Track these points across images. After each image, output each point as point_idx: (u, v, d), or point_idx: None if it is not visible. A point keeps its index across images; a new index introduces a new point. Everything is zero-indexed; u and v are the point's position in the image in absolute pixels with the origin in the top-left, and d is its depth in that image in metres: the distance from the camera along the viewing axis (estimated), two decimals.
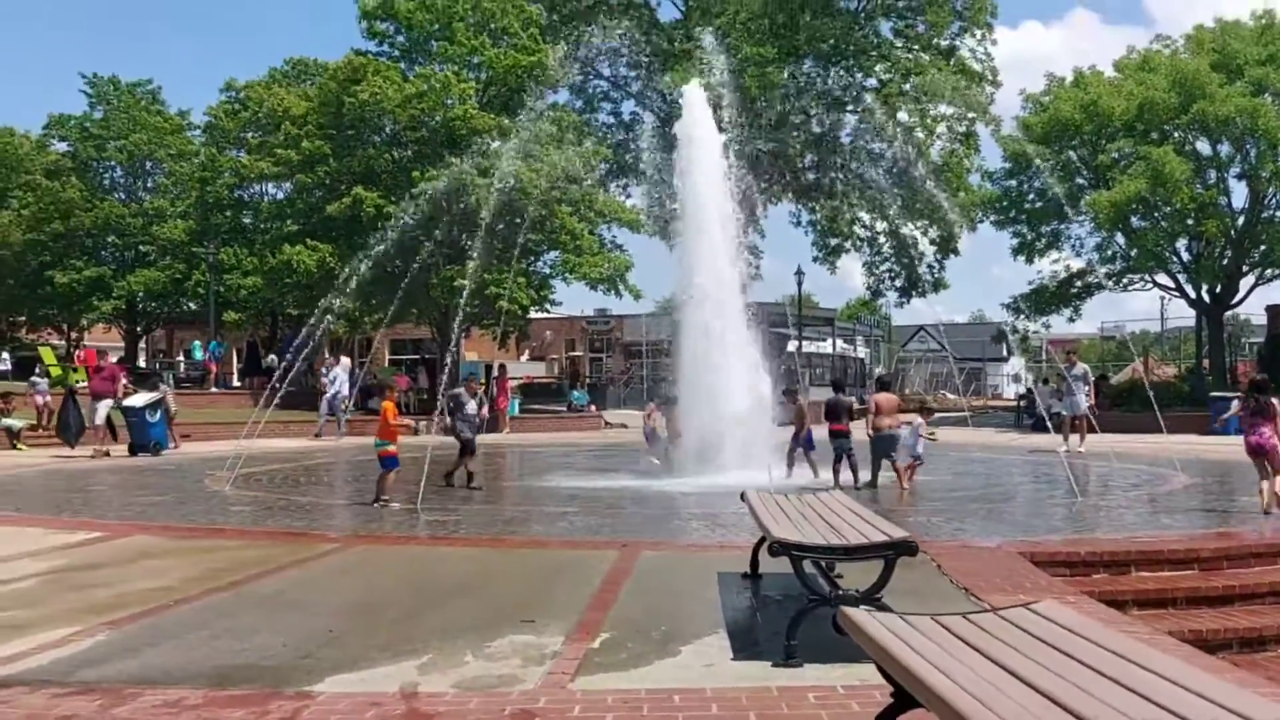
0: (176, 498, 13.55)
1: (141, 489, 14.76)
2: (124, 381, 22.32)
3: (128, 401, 20.77)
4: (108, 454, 19.83)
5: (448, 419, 14.75)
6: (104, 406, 20.72)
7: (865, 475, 14.49)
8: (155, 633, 5.88)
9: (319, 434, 26.07)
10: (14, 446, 21.30)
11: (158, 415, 20.81)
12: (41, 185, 40.87)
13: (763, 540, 6.34)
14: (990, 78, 39.81)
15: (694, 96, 18.53)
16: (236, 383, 42.24)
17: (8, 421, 21.80)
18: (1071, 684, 2.60)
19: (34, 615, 6.32)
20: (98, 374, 21.04)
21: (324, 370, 29.13)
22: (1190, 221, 31.96)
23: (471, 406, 14.66)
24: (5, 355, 42.17)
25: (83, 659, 5.31)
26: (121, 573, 7.80)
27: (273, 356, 38.38)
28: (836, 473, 14.37)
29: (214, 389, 36.43)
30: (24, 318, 46.41)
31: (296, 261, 30.50)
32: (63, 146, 44.53)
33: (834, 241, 43.57)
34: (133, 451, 20.14)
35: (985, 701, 2.48)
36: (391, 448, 12.29)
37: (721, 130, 18.25)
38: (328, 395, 26.66)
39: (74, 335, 47.65)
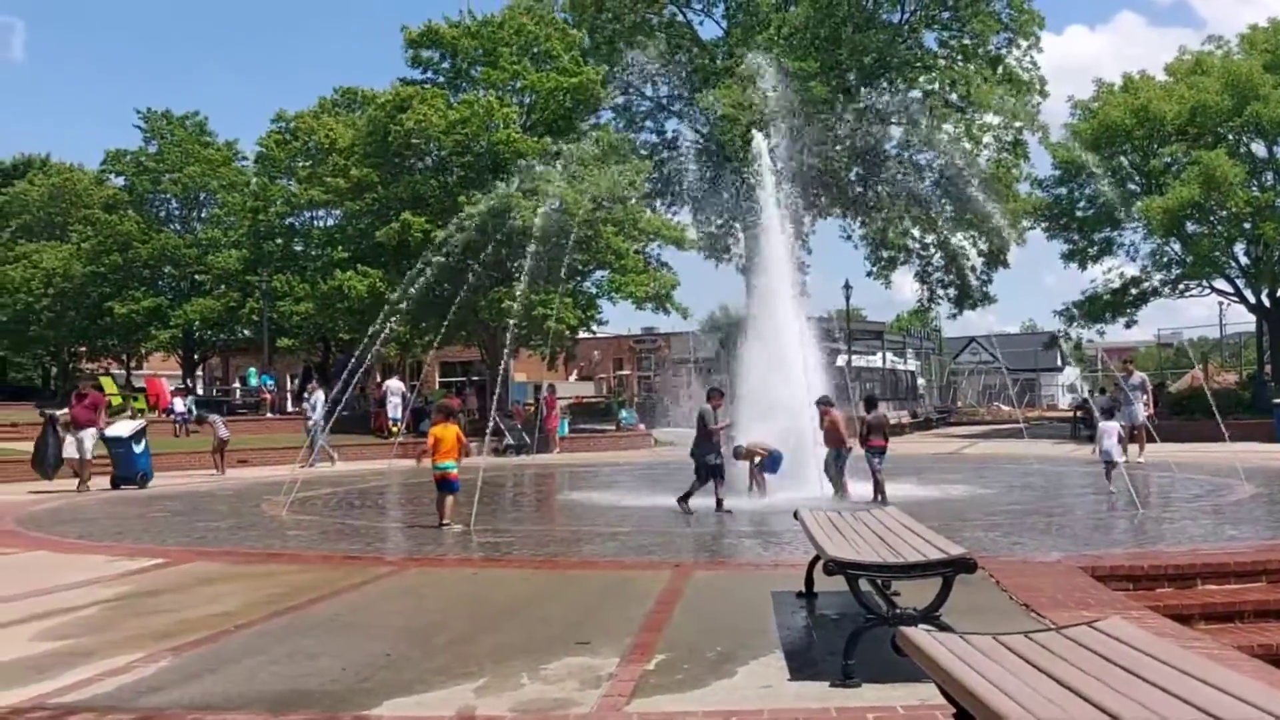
0: (234, 523, 13.74)
1: (201, 515, 14.99)
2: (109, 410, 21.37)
3: (111, 431, 19.59)
4: (88, 488, 18.72)
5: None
6: (89, 437, 19.07)
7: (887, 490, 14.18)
8: (216, 658, 5.95)
9: (311, 463, 23.62)
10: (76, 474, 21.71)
11: (142, 445, 19.78)
12: (100, 219, 41.93)
13: (817, 558, 6.29)
14: (1038, 87, 39.36)
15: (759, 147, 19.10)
16: (291, 408, 42.86)
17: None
18: (1139, 704, 2.54)
19: (99, 641, 6.43)
20: (80, 401, 19.32)
21: (306, 395, 28.12)
22: (1247, 225, 31.33)
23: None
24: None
25: (146, 685, 5.39)
26: (182, 599, 7.93)
27: (314, 387, 38.99)
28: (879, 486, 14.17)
29: (269, 414, 36.97)
30: (84, 348, 47.49)
31: (348, 287, 30.96)
32: (119, 181, 45.67)
33: (887, 254, 43.30)
34: (115, 484, 19.17)
35: None
36: (453, 470, 12.33)
37: (771, 151, 18.64)
38: (310, 422, 25.14)
39: (133, 364, 48.65)
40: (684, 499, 13.55)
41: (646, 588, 7.75)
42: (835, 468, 14.69)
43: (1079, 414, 35.10)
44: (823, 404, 15.06)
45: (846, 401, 19.01)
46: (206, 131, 46.35)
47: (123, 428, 19.96)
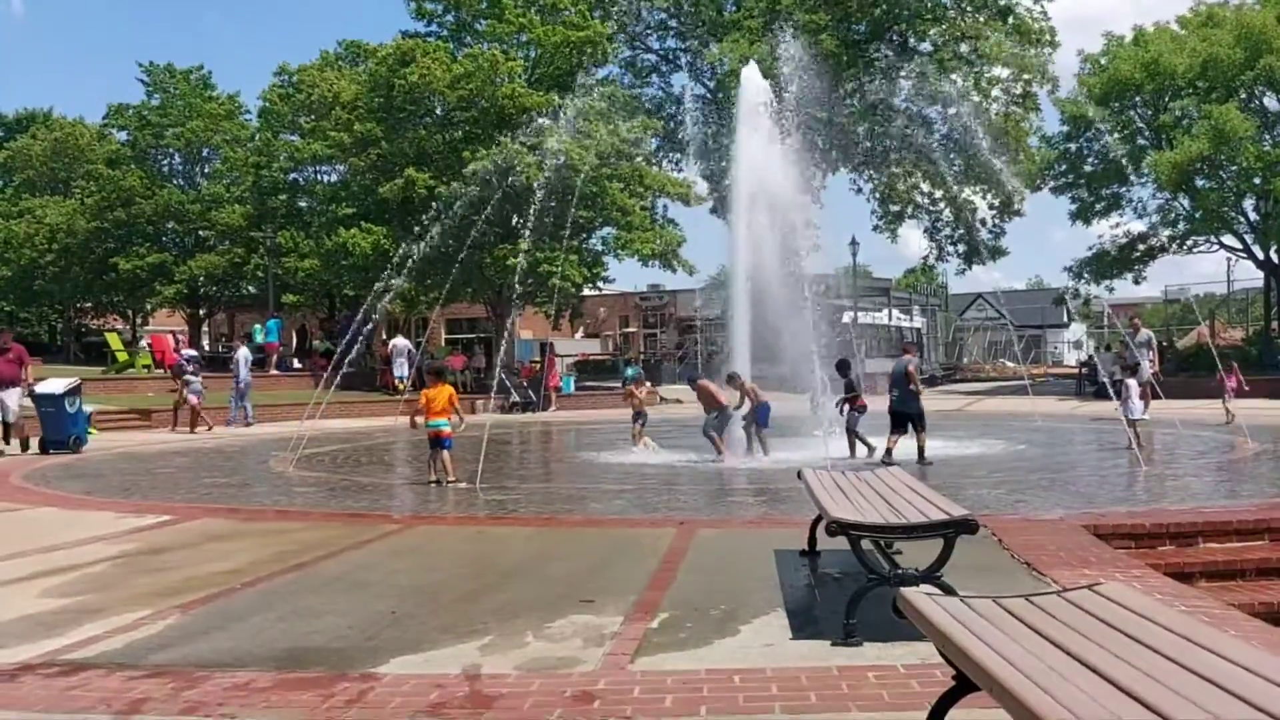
0: (241, 480, 13.84)
1: (208, 471, 15.08)
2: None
3: (41, 388, 17.58)
4: (1, 452, 16.85)
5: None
6: (12, 396, 16.86)
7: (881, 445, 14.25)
8: (224, 616, 6.01)
9: (229, 421, 23.94)
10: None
11: (76, 404, 17.76)
12: (103, 174, 41.80)
13: (819, 518, 6.31)
14: (1049, 37, 38.92)
15: (750, 77, 18.58)
16: (298, 364, 42.95)
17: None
18: (1138, 669, 2.55)
19: (107, 599, 6.49)
20: (2, 356, 16.79)
21: (230, 352, 27.65)
22: (1257, 180, 31.06)
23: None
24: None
25: (154, 642, 5.44)
26: (190, 556, 7.99)
27: (323, 342, 38.98)
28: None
29: (274, 371, 37.02)
30: (90, 304, 47.54)
31: (352, 244, 30.89)
32: (122, 136, 45.44)
33: (895, 209, 43.05)
34: (44, 449, 17.04)
35: (1048, 688, 2.45)
36: (446, 428, 12.42)
37: (780, 103, 18.24)
38: (236, 381, 24.65)
39: (138, 320, 48.73)
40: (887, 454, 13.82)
41: (651, 546, 7.79)
42: (714, 427, 15.17)
43: (1084, 371, 35.09)
44: (692, 380, 16.25)
45: (854, 357, 18.97)
46: (210, 85, 46.05)
47: (54, 384, 17.92)
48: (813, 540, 7.13)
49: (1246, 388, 21.83)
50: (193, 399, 22.02)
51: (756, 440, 15.10)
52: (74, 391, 17.84)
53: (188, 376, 22.48)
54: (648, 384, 36.77)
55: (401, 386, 28.95)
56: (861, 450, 14.62)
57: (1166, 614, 2.99)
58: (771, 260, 16.54)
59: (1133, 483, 12.01)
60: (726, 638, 5.32)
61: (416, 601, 6.28)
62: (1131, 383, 15.59)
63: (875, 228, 44.03)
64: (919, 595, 3.41)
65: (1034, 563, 6.68)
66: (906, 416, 13.92)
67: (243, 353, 25.24)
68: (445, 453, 12.41)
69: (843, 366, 15.31)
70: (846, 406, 15.05)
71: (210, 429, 22.01)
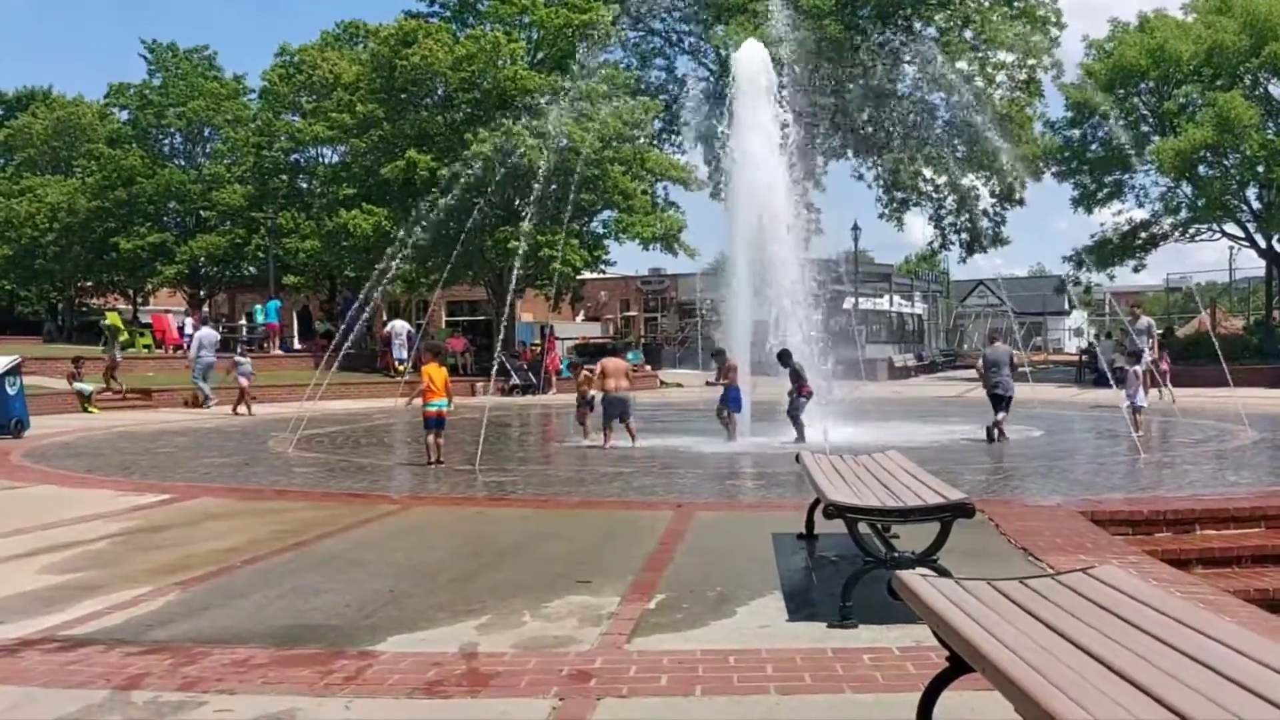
0: (242, 459, 13.85)
1: (208, 450, 15.10)
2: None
3: None
4: None
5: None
6: None
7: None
8: (223, 593, 6.04)
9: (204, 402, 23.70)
10: (85, 409, 21.88)
11: (16, 386, 16.63)
12: (104, 153, 41.67)
13: (817, 501, 6.33)
14: (1054, 20, 38.77)
15: (749, 54, 18.25)
16: (298, 345, 42.91)
17: (79, 385, 22.39)
18: (1130, 652, 2.57)
19: (107, 576, 6.51)
20: None
21: (188, 333, 27.19)
22: (1260, 169, 30.98)
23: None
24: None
25: (154, 619, 5.47)
26: (189, 534, 8.02)
27: (323, 324, 38.97)
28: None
29: (277, 351, 37.01)
30: (90, 283, 47.47)
31: (353, 226, 30.82)
32: (124, 115, 45.27)
33: (899, 195, 42.97)
34: None
35: (1041, 670, 2.46)
36: (446, 409, 12.51)
37: (781, 88, 18.04)
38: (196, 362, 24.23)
39: (139, 300, 48.69)
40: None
41: (649, 527, 7.82)
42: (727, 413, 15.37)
43: (1084, 358, 35.09)
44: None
45: (852, 344, 18.97)
46: (214, 66, 45.86)
47: None
48: (810, 523, 7.15)
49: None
50: (242, 380, 21.80)
51: (725, 423, 15.25)
52: (13, 371, 16.58)
53: (237, 358, 22.45)
54: (647, 367, 36.91)
55: (401, 368, 28.97)
56: (808, 434, 14.74)
57: (1160, 597, 3.00)
58: (768, 244, 16.48)
59: (1131, 469, 12.03)
60: (723, 619, 5.35)
61: (414, 580, 6.31)
62: (1136, 369, 15.65)
63: (881, 215, 44.02)
64: (914, 577, 3.43)
65: (1030, 548, 6.70)
66: (1007, 398, 15.16)
67: (204, 333, 24.98)
68: (440, 433, 12.48)
69: (784, 357, 15.55)
70: (794, 394, 15.19)
71: (251, 413, 21.52)
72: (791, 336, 16.09)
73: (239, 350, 23.21)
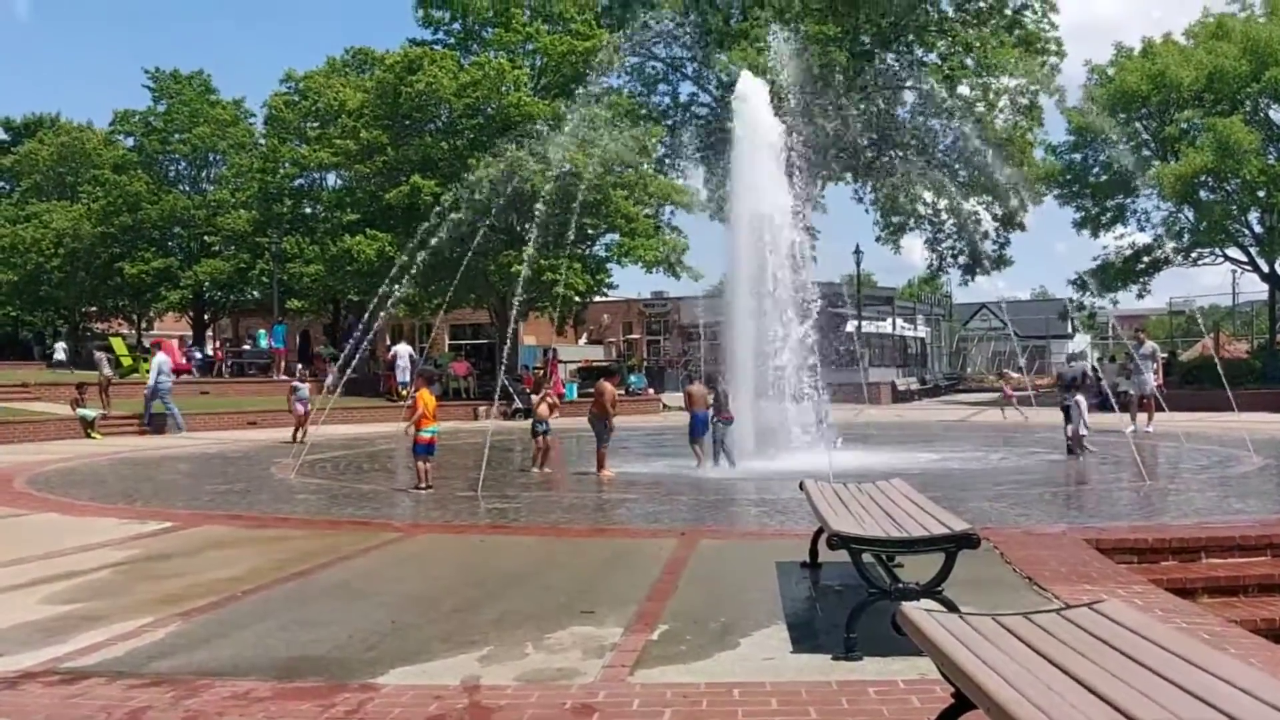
0: (244, 486, 13.84)
1: (211, 477, 15.09)
2: None
3: None
4: None
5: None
6: None
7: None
8: (225, 624, 6.01)
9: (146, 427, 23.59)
10: (88, 435, 21.91)
11: None
12: (109, 179, 41.93)
13: (821, 530, 6.31)
14: (1055, 49, 39.01)
15: (748, 86, 18.32)
16: (299, 369, 42.93)
17: (83, 411, 22.42)
18: (1137, 691, 2.55)
19: (109, 606, 6.49)
20: None
21: (146, 358, 26.78)
22: (1261, 193, 31.09)
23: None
24: (61, 345, 43.04)
25: (156, 650, 5.45)
26: (192, 563, 8.00)
27: (326, 348, 39.01)
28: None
29: (282, 376, 37.03)
30: (95, 308, 47.63)
31: (357, 251, 30.94)
32: (128, 141, 45.57)
33: (897, 219, 43.12)
34: None
35: (1046, 710, 2.45)
36: (424, 434, 12.57)
37: (781, 114, 18.09)
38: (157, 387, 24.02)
39: (143, 325, 48.85)
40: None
41: (652, 556, 7.79)
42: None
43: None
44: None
45: (855, 367, 18.97)
46: (212, 90, 46.15)
47: None
48: (814, 552, 7.12)
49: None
50: (299, 407, 21.02)
51: (696, 450, 15.29)
52: None
53: (295, 384, 21.85)
54: (650, 390, 36.91)
55: (405, 393, 29.00)
56: (723, 461, 14.92)
57: (1166, 633, 2.99)
58: (766, 268, 16.50)
59: (1135, 496, 11.98)
60: (726, 650, 5.32)
61: (417, 611, 6.28)
62: (1080, 399, 16.17)
63: (878, 239, 44.16)
64: (918, 612, 3.41)
65: (1036, 577, 6.66)
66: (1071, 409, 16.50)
67: (161, 358, 24.74)
68: (428, 460, 12.59)
69: (711, 381, 15.84)
70: (715, 419, 15.25)
71: (305, 441, 19.84)
72: (789, 359, 16.12)
73: (297, 374, 22.57)
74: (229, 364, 37.95)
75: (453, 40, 35.48)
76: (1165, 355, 27.24)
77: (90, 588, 7.10)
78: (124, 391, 27.30)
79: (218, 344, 39.83)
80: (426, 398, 12.75)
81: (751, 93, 17.97)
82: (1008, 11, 38.98)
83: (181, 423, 23.76)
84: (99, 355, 24.10)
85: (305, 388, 21.95)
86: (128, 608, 6.42)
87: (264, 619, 6.09)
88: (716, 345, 17.41)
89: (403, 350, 32.42)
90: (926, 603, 4.65)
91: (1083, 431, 15.87)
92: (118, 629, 5.86)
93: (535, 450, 15.21)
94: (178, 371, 33.75)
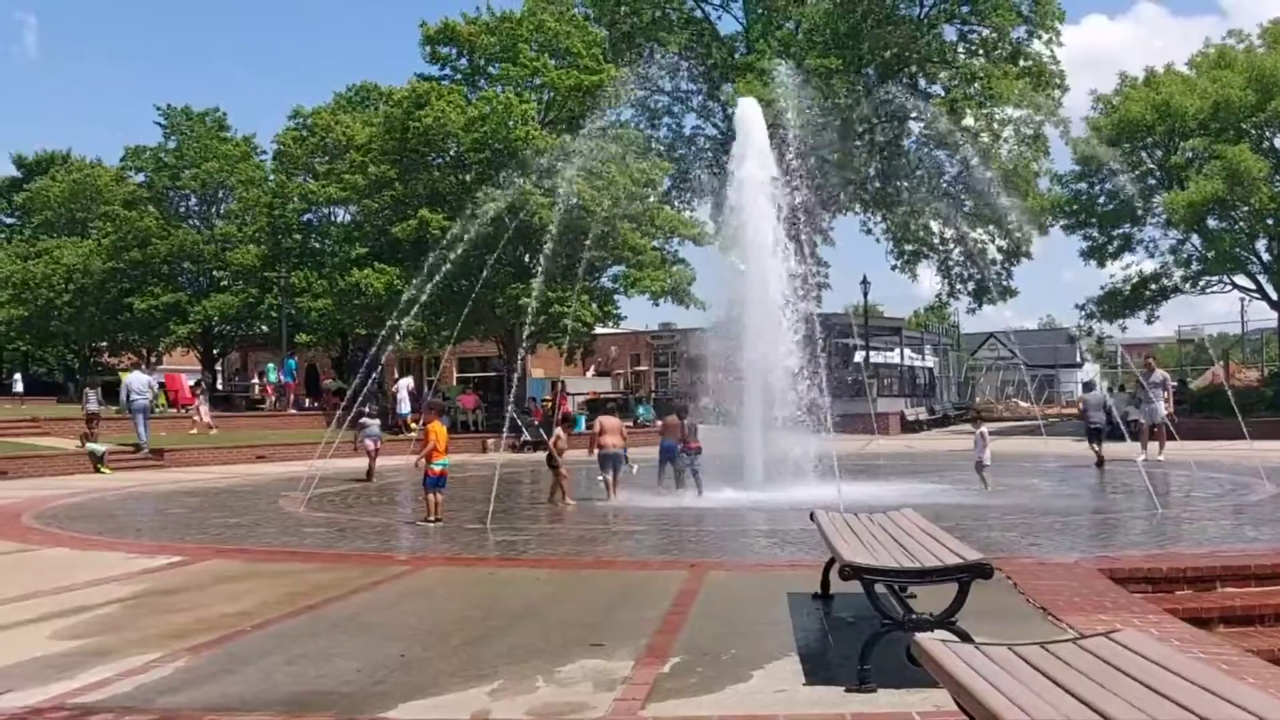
0: (252, 520, 13.81)
1: (219, 511, 15.07)
2: None
3: None
4: None
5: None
6: None
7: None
8: (233, 659, 5.98)
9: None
10: (98, 470, 21.92)
11: None
12: (120, 215, 42.22)
13: (833, 561, 6.27)
14: (1059, 81, 39.18)
15: (748, 113, 18.38)
16: (307, 403, 43.05)
17: (92, 446, 22.46)
18: None
19: (118, 641, 6.47)
20: None
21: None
22: (1270, 221, 31.10)
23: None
24: (94, 394, 43.21)
25: (164, 685, 5.42)
26: (200, 597, 7.97)
27: (335, 382, 39.11)
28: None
29: (291, 410, 37.12)
30: (105, 343, 47.82)
31: (365, 284, 31.06)
32: (139, 177, 45.93)
33: (910, 248, 43.23)
34: None
35: None
36: (435, 467, 12.49)
37: (786, 145, 18.16)
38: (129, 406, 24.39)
39: (153, 359, 49.02)
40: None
41: (662, 588, 7.74)
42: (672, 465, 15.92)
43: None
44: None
45: (864, 398, 18.95)
46: (225, 126, 46.56)
47: None
48: (825, 583, 7.07)
49: None
50: (368, 444, 19.88)
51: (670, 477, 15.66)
52: None
53: (364, 420, 20.19)
54: (659, 422, 36.80)
55: (408, 423, 29.03)
56: (691, 491, 15.25)
57: (1182, 662, 2.95)
58: (773, 301, 16.53)
59: (1148, 525, 11.89)
60: (739, 683, 5.27)
61: (426, 644, 6.24)
62: (984, 430, 16.36)
63: (894, 267, 44.28)
64: (935, 643, 3.38)
65: (1049, 607, 6.60)
66: (1097, 430, 19.62)
67: (133, 378, 25.11)
68: (439, 493, 12.59)
69: (680, 413, 16.02)
70: (684, 449, 15.55)
71: (372, 479, 19.51)
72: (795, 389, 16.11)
73: (368, 409, 20.88)
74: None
75: (460, 76, 35.78)
76: (1175, 384, 27.13)
77: (99, 623, 7.07)
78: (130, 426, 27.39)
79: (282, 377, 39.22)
80: (439, 430, 12.72)
81: (751, 118, 18.06)
82: (1010, 43, 39.21)
83: (144, 441, 24.22)
84: (86, 391, 24.59)
85: (375, 424, 20.62)
86: (136, 643, 6.39)
87: (272, 653, 6.06)
88: (723, 377, 17.33)
89: (402, 384, 32.67)
90: (941, 633, 4.60)
91: (986, 462, 15.80)
92: (126, 664, 5.83)
93: (556, 483, 15.07)
94: (180, 404, 33.97)
